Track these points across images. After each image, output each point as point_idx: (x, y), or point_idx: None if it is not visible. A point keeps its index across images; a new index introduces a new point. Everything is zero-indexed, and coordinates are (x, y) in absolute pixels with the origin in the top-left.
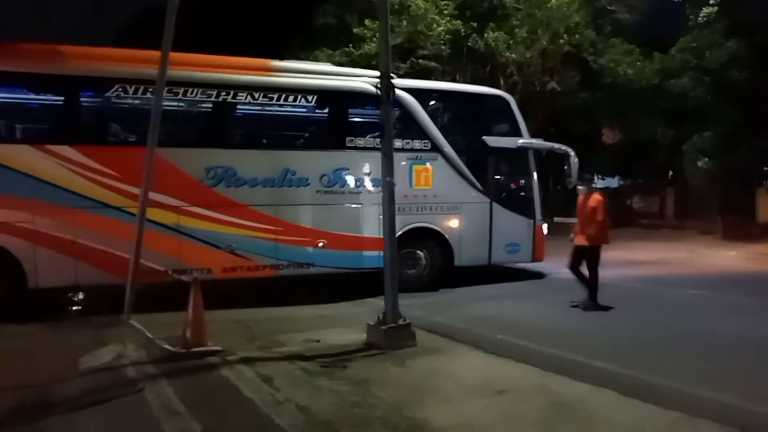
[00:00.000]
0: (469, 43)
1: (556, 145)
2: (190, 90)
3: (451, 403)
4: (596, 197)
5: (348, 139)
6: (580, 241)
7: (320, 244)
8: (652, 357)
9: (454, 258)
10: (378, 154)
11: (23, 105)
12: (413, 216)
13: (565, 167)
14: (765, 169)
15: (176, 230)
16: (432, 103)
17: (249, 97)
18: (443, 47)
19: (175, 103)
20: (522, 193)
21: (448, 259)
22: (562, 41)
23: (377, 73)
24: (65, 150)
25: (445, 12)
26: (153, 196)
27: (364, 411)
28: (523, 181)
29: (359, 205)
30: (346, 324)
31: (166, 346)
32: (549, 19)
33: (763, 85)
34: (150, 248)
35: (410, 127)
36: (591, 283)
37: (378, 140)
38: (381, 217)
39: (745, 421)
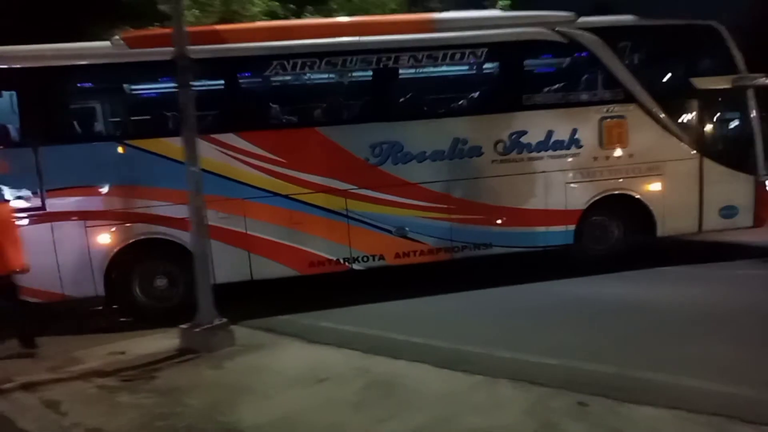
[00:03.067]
0: None
1: None
2: (349, 59)
3: (270, 399)
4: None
5: (525, 97)
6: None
7: (499, 222)
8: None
9: (657, 228)
10: (563, 112)
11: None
12: (605, 182)
13: None
14: None
15: (345, 216)
16: (623, 42)
17: (412, 60)
18: None
19: (334, 76)
20: (740, 144)
21: (647, 230)
22: None
23: (560, 14)
24: (229, 138)
25: None
26: (320, 180)
27: (170, 422)
28: (741, 128)
29: (541, 174)
30: (162, 330)
31: None
32: (366, 4)
33: None
34: (319, 236)
35: (598, 75)
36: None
37: (561, 95)
38: (569, 185)
39: (535, 374)
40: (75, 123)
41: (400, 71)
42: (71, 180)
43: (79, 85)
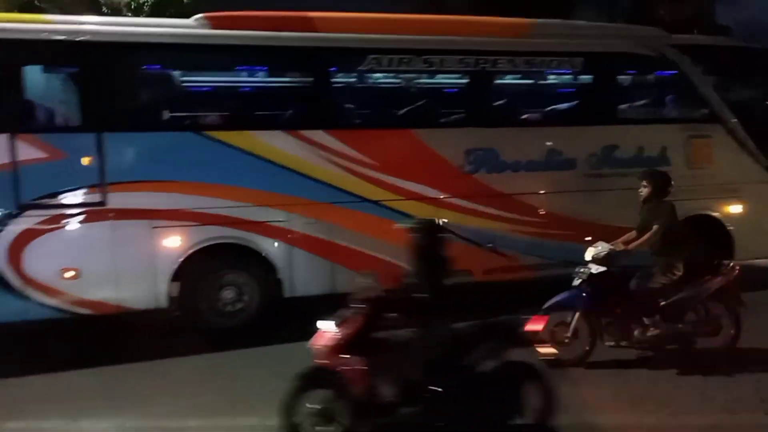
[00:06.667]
0: None
1: None
2: (447, 59)
3: None
4: None
5: (619, 110)
6: None
7: (588, 239)
8: None
9: (734, 252)
10: (651, 128)
11: (268, 84)
12: (690, 202)
13: None
14: None
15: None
16: (711, 62)
17: (510, 65)
18: None
19: (430, 75)
20: None
21: (725, 253)
22: None
23: (653, 30)
24: (318, 135)
25: None
26: (410, 186)
27: None
28: None
29: (630, 190)
30: None
31: None
32: None
33: None
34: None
35: (686, 93)
36: None
37: (651, 110)
38: None
39: None
40: (147, 108)
41: (498, 75)
42: (138, 173)
43: (155, 65)
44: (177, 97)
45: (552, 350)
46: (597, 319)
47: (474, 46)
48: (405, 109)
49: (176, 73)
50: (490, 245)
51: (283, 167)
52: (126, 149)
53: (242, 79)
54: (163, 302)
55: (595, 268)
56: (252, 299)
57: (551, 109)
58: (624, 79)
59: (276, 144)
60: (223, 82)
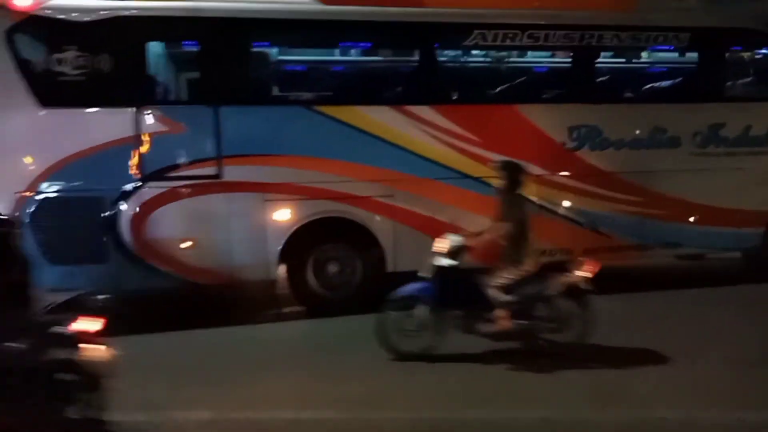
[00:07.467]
0: None
1: None
2: (552, 34)
3: None
4: None
5: (726, 87)
6: None
7: (691, 219)
8: None
9: None
10: (761, 106)
11: (377, 60)
12: None
13: None
14: None
15: (535, 203)
16: None
17: (616, 40)
18: None
19: (535, 51)
20: None
21: None
22: None
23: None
24: (424, 111)
25: None
26: None
27: None
28: None
29: (738, 170)
30: None
31: None
32: None
33: None
34: None
35: None
36: None
37: (760, 88)
38: (763, 185)
39: None
40: (262, 83)
41: (603, 50)
42: (252, 147)
43: (270, 40)
44: (289, 72)
45: (102, 353)
46: (444, 312)
47: (580, 21)
48: (509, 85)
49: (289, 49)
50: (592, 224)
51: (388, 143)
52: (241, 123)
53: (352, 54)
54: (273, 274)
55: (444, 261)
56: (355, 274)
57: (657, 86)
58: (734, 55)
59: (383, 119)
60: (333, 58)
